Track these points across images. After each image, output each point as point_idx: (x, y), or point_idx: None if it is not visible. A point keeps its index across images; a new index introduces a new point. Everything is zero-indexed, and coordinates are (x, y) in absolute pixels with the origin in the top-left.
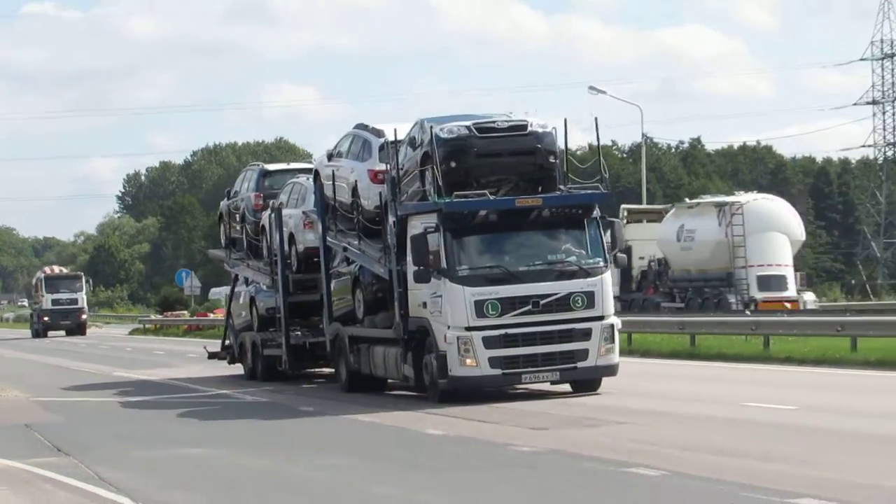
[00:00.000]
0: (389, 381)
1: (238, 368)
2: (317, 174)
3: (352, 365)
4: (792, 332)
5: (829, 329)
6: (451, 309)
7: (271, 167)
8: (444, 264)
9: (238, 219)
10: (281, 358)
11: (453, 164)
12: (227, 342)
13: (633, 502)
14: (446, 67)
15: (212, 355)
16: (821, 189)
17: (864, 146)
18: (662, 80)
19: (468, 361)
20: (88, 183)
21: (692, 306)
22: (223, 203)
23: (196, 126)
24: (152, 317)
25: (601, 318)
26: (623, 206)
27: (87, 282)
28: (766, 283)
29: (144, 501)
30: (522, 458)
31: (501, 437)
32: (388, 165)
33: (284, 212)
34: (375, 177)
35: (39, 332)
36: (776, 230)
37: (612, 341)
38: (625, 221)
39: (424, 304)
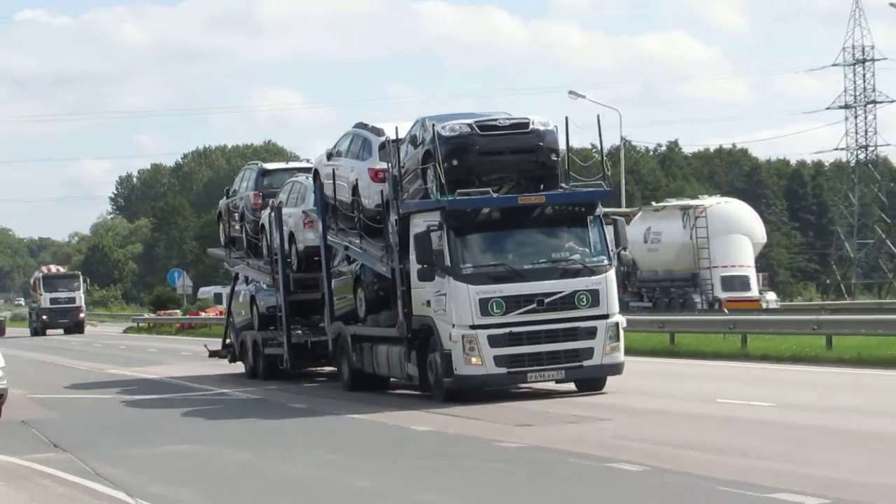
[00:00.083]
0: (392, 379)
1: (230, 367)
2: (316, 173)
3: (354, 364)
4: (769, 331)
5: (805, 328)
6: (455, 307)
7: (270, 166)
8: (447, 262)
9: (237, 217)
10: (282, 357)
11: (455, 162)
12: (227, 341)
13: (614, 496)
14: (427, 72)
15: (212, 354)
16: (795, 191)
17: (836, 149)
18: (641, 84)
19: (473, 360)
20: (82, 185)
21: (659, 305)
22: (222, 202)
23: (186, 129)
24: (145, 315)
25: (606, 316)
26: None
27: (84, 281)
28: (730, 283)
29: (140, 496)
30: (505, 454)
31: (486, 434)
32: (390, 164)
33: (284, 211)
34: (376, 175)
35: (38, 331)
36: (738, 232)
37: (618, 339)
38: None
39: (428, 303)
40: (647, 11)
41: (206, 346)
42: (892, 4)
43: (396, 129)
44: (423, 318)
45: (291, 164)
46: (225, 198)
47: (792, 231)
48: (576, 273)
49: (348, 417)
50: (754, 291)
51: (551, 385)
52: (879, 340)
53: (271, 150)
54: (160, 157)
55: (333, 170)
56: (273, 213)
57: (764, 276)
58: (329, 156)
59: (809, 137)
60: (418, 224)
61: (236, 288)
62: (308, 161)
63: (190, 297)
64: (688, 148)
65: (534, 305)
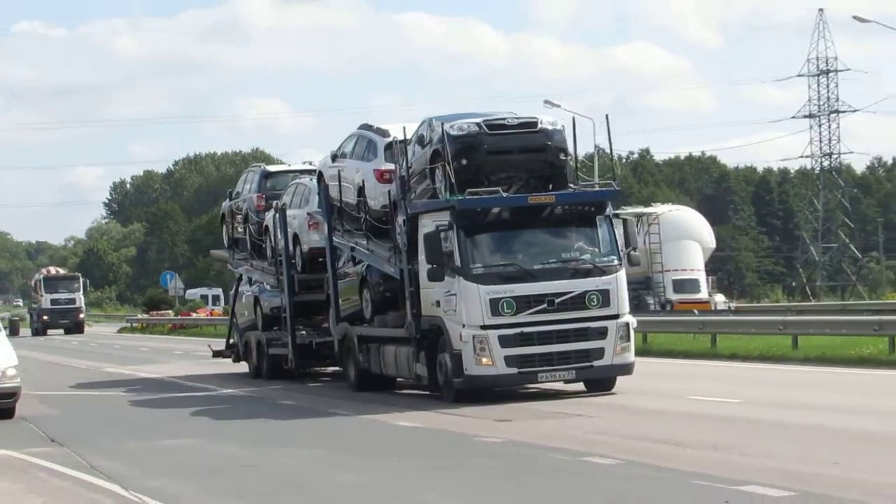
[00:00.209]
0: (399, 380)
1: (229, 366)
2: (321, 175)
3: (361, 364)
4: (737, 331)
5: (771, 328)
6: (465, 307)
7: (273, 168)
8: (457, 262)
9: (241, 219)
10: (287, 357)
11: (464, 162)
12: (231, 341)
13: (588, 488)
14: (410, 83)
15: (216, 354)
16: (762, 197)
17: (802, 157)
18: (614, 94)
19: (484, 360)
20: (77, 190)
21: None
22: (225, 204)
23: (177, 137)
24: (139, 316)
25: (616, 316)
26: None
27: (84, 282)
28: (681, 286)
29: (133, 488)
30: (485, 448)
31: (469, 429)
32: (397, 164)
33: (288, 212)
34: (382, 176)
35: (39, 331)
36: (689, 238)
37: (628, 340)
38: None
39: (438, 303)
40: (623, 25)
41: (209, 346)
42: (855, 17)
43: (405, 128)
44: (433, 319)
45: (294, 167)
46: (228, 200)
47: (759, 235)
48: (586, 273)
49: (341, 414)
50: (703, 293)
51: (559, 385)
52: (843, 340)
53: (258, 157)
54: (152, 164)
55: (339, 171)
56: (277, 215)
57: (713, 279)
58: (334, 157)
59: (776, 145)
60: (427, 224)
61: (240, 289)
62: (310, 163)
63: (182, 299)
64: (659, 155)
65: (544, 305)
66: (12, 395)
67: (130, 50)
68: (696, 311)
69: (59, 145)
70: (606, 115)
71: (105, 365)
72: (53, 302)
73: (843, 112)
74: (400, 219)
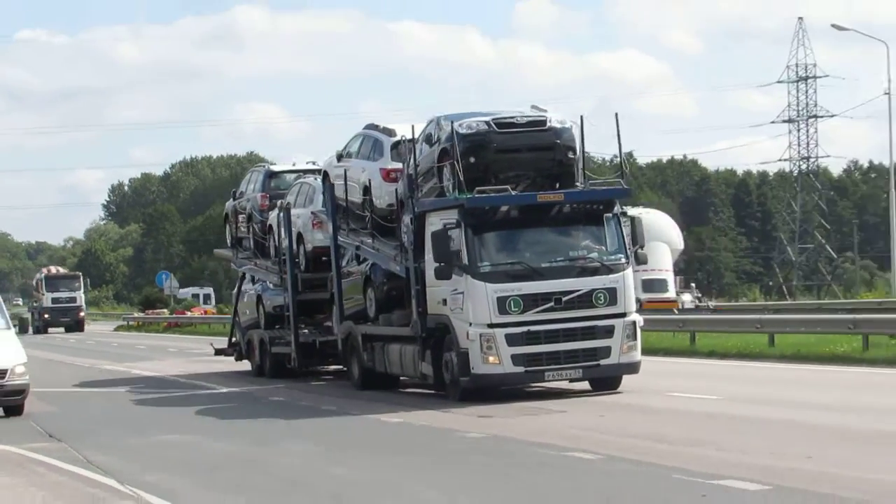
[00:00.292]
0: (402, 378)
1: (225, 364)
2: (326, 175)
3: (365, 363)
4: (716, 329)
5: (748, 326)
6: (472, 306)
7: (277, 168)
8: (465, 260)
9: (244, 219)
10: (290, 355)
11: (472, 160)
12: (233, 339)
13: (570, 483)
14: (402, 88)
15: (218, 352)
16: (741, 199)
17: (780, 160)
18: (598, 99)
19: (491, 359)
20: (76, 192)
21: None
22: (229, 203)
23: (174, 141)
24: (135, 315)
25: (623, 314)
26: None
27: (85, 281)
28: (650, 285)
29: (129, 483)
30: (468, 443)
31: (452, 425)
32: (405, 163)
33: (293, 212)
34: (388, 175)
35: (40, 329)
36: (658, 240)
37: (635, 338)
38: None
39: (444, 301)
40: (606, 31)
41: (211, 344)
42: (833, 26)
43: (413, 127)
44: (439, 317)
45: (298, 166)
46: (232, 199)
47: (738, 236)
48: (594, 271)
49: (313, 408)
50: (671, 293)
51: (564, 384)
52: (818, 338)
53: (254, 160)
54: (150, 167)
55: (345, 170)
56: (281, 214)
57: (681, 279)
58: (339, 157)
59: (755, 149)
60: (434, 222)
61: (243, 287)
62: (314, 163)
63: (177, 298)
64: (642, 159)
65: (551, 304)
66: (21, 392)
67: (130, 56)
68: (675, 310)
69: (59, 148)
70: (616, 114)
71: (103, 362)
72: (55, 301)
73: (821, 117)
74: (407, 217)
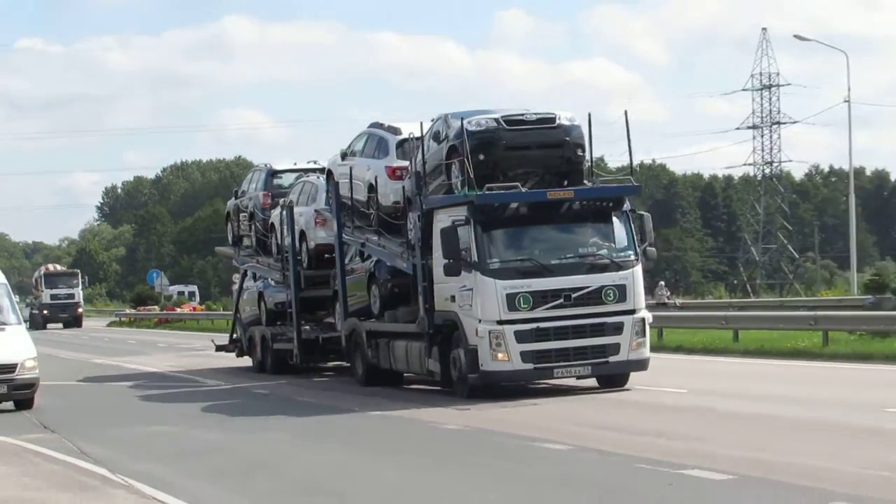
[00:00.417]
0: (406, 374)
1: (222, 359)
2: (329, 173)
3: (370, 359)
4: (683, 325)
5: (714, 322)
6: (482, 302)
7: (279, 167)
8: (474, 257)
9: (246, 217)
10: (292, 352)
11: (482, 157)
12: (234, 336)
13: (538, 472)
14: (381, 96)
15: (219, 348)
16: (708, 202)
17: (745, 165)
18: (572, 106)
19: (500, 356)
20: (72, 194)
21: None
22: (230, 202)
23: (166, 146)
24: (127, 311)
25: (633, 311)
26: None
27: (83, 279)
28: None
29: (119, 471)
30: (445, 435)
31: (429, 417)
32: (413, 160)
33: (295, 210)
34: (394, 173)
35: (39, 325)
36: None
37: (644, 335)
38: None
39: (452, 298)
40: (579, 42)
41: (212, 340)
42: (796, 36)
43: (421, 124)
44: (447, 314)
45: (300, 165)
46: (233, 198)
47: (704, 237)
48: (603, 268)
49: (297, 400)
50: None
51: (570, 381)
52: (780, 334)
53: (241, 164)
54: (142, 171)
55: (350, 168)
56: (284, 212)
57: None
58: (343, 156)
59: (721, 154)
60: (443, 219)
61: (244, 285)
62: (315, 162)
63: (167, 295)
64: (612, 163)
65: (561, 300)
66: (31, 385)
67: (123, 65)
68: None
69: (55, 152)
70: (625, 111)
71: (95, 356)
72: (53, 297)
73: (784, 123)
74: (414, 214)
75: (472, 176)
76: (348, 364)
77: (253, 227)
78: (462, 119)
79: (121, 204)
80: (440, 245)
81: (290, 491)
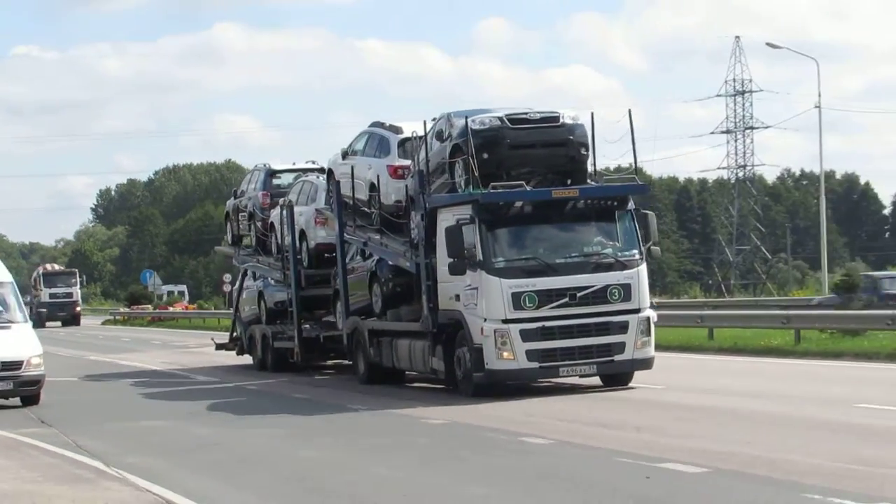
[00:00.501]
0: (408, 373)
1: (218, 357)
2: (330, 172)
3: (372, 358)
4: (658, 324)
5: (690, 321)
6: (487, 301)
7: (278, 167)
8: (479, 256)
9: (246, 217)
10: (292, 350)
11: (486, 156)
12: (234, 334)
13: (522, 465)
14: (367, 101)
15: (220, 347)
16: (683, 204)
17: (719, 168)
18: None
19: (505, 354)
20: (67, 197)
21: None
22: (230, 202)
23: (158, 149)
24: (121, 310)
25: (637, 310)
26: None
27: (81, 278)
28: None
29: (114, 464)
30: (429, 429)
31: (415, 412)
32: (416, 159)
33: (295, 209)
34: (396, 172)
35: (37, 323)
36: None
37: (648, 334)
38: None
39: (456, 297)
40: (558, 49)
41: (213, 338)
42: (768, 44)
43: (425, 122)
44: (451, 313)
45: (299, 165)
46: (233, 198)
47: (680, 238)
48: (608, 267)
49: (287, 396)
50: None
51: (574, 379)
52: (753, 332)
53: (231, 168)
54: (135, 174)
55: (351, 168)
56: (284, 212)
57: None
58: (344, 155)
59: (696, 158)
60: (447, 218)
61: (244, 284)
62: (314, 162)
63: (158, 294)
64: (600, 164)
65: (566, 299)
66: (37, 382)
67: (116, 71)
68: None
69: (50, 156)
70: (629, 110)
71: (90, 353)
72: (52, 296)
73: (757, 128)
74: (417, 213)
75: (476, 174)
76: (348, 362)
77: (252, 226)
78: (466, 118)
79: (114, 206)
80: (444, 244)
81: (283, 485)
